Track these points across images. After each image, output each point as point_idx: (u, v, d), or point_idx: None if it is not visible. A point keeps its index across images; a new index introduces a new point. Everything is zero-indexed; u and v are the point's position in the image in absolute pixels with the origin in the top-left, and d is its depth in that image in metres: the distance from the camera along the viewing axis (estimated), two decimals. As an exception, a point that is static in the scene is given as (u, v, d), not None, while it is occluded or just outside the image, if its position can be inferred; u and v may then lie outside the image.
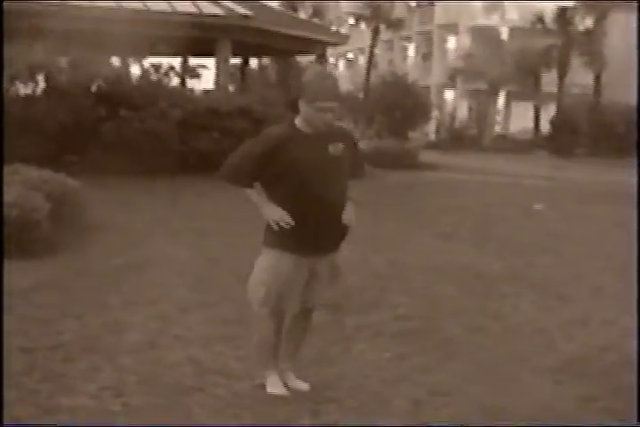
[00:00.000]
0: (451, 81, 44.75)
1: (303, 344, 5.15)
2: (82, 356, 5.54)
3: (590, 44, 38.25)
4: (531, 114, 41.61)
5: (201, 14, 17.42)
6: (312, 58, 24.72)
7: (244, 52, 22.51)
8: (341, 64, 63.81)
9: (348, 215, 4.74)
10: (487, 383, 5.23)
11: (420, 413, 4.72)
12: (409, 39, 56.45)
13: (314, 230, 4.65)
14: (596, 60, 38.02)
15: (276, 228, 4.61)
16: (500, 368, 5.58)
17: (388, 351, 5.84)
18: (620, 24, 39.32)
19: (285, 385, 4.91)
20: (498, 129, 45.43)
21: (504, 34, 45.11)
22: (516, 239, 10.98)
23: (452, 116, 41.87)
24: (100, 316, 6.55)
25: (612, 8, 37.80)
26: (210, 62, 29.10)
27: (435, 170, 23.42)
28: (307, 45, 21.35)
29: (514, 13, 44.84)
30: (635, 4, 34.07)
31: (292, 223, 4.59)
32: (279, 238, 4.65)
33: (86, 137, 15.21)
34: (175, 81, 23.18)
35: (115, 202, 12.00)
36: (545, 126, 39.68)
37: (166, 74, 18.83)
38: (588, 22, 39.14)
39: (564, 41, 38.68)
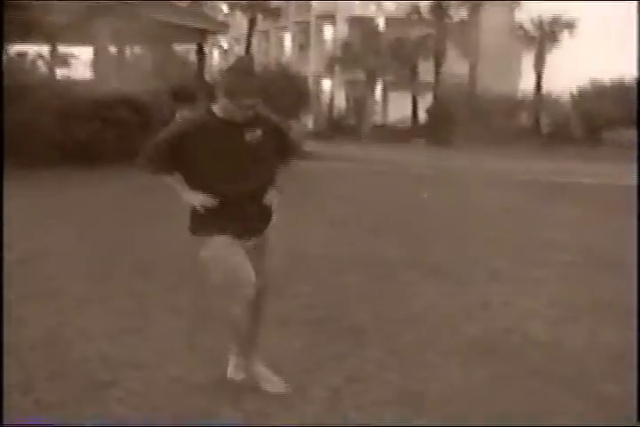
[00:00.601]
0: (329, 71, 44.90)
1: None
2: (-17, 353, 5.33)
3: (465, 35, 39.01)
4: (408, 103, 42.14)
5: (78, -1, 16.88)
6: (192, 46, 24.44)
7: (122, 40, 22.03)
8: (215, 53, 63.19)
9: (270, 199, 4.75)
10: (400, 369, 5.27)
11: (338, 400, 4.72)
12: (285, 29, 56.45)
13: (234, 214, 4.62)
14: (470, 51, 38.79)
15: (201, 211, 4.56)
16: (409, 354, 5.62)
17: (298, 340, 5.82)
18: (494, 16, 40.24)
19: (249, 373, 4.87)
20: (376, 119, 45.86)
21: (380, 24, 45.52)
22: (409, 226, 11.13)
23: (331, 106, 42.02)
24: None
25: (485, 1, 38.70)
26: (81, 51, 28.53)
27: (318, 160, 23.46)
28: (187, 34, 21.06)
29: (390, 4, 45.31)
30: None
31: (215, 204, 4.56)
32: (207, 224, 4.61)
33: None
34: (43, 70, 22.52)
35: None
36: (423, 116, 40.28)
37: (33, 63, 18.23)
38: (463, 14, 39.87)
39: (440, 31, 39.32)
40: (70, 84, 17.32)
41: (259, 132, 4.63)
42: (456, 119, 36.89)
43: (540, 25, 39.00)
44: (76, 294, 6.91)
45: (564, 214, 12.95)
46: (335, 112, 41.07)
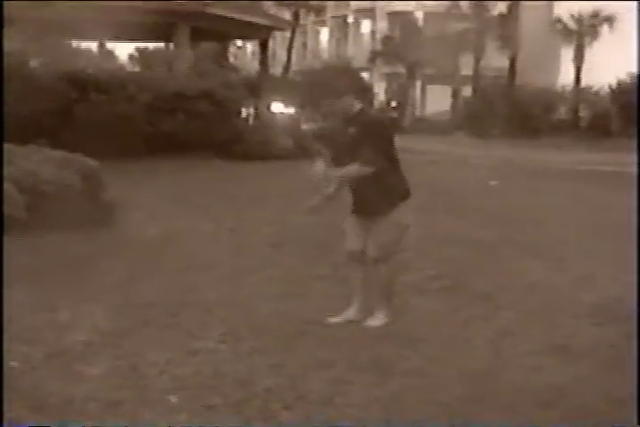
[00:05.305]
0: (371, 64, 45.58)
1: (386, 291, 6.10)
2: (182, 311, 6.23)
3: (504, 29, 39.70)
4: (445, 96, 42.89)
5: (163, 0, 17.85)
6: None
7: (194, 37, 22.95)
8: (249, 47, 63.74)
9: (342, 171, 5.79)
10: (541, 327, 6.13)
11: (499, 349, 5.59)
12: (323, 23, 57.28)
13: (353, 198, 5.98)
14: (509, 45, 39.46)
15: None
16: (543, 315, 6.48)
17: (439, 304, 6.70)
18: (534, 9, 40.89)
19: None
20: (416, 112, 46.55)
21: (420, 19, 46.16)
22: (490, 211, 11.93)
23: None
24: (169, 279, 7.23)
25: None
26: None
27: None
28: (254, 30, 21.89)
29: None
30: None
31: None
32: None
33: (57, 121, 15.55)
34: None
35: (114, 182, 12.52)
36: (462, 109, 40.94)
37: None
38: (502, 7, 40.64)
39: (479, 25, 40.03)
40: (153, 78, 18.17)
41: (353, 129, 5.75)
42: (495, 112, 37.52)
43: (579, 19, 39.60)
44: (229, 266, 7.81)
45: (625, 201, 13.69)
46: (376, 104, 41.72)
